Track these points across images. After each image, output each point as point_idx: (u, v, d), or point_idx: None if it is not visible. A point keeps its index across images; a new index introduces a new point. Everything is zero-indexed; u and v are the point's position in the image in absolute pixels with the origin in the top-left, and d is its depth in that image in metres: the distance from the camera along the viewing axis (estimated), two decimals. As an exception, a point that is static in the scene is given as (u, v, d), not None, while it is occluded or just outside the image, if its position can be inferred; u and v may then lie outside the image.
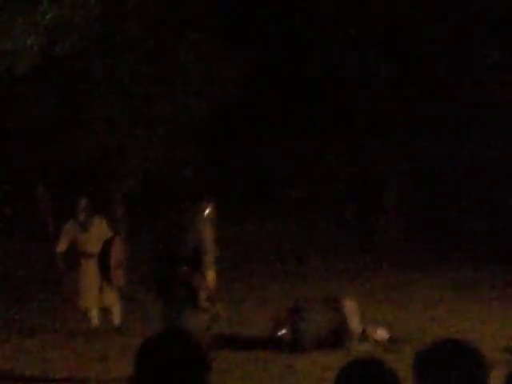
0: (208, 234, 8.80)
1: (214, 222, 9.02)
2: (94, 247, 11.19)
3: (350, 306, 10.67)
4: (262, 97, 19.28)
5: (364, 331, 10.56)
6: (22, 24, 11.59)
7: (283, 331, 10.41)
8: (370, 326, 10.70)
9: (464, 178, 19.23)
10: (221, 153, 19.67)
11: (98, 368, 9.70)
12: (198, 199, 9.03)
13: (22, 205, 17.94)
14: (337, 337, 10.43)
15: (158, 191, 15.98)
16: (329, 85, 18.56)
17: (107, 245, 11.07)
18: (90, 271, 11.21)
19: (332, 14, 17.51)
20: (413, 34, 17.45)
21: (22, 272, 16.48)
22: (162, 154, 16.35)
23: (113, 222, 11.80)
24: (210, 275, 8.74)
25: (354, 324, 10.52)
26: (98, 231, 11.26)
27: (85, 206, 11.29)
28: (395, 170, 19.51)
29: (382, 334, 10.63)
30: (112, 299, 11.31)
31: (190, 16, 16.19)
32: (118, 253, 11.06)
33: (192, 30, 16.10)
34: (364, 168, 20.18)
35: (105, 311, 11.50)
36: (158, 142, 16.33)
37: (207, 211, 8.96)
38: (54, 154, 15.68)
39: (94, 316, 11.42)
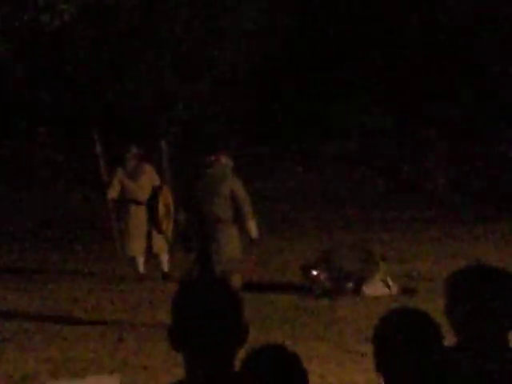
0: (239, 185, 8.88)
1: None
2: (143, 195, 11.31)
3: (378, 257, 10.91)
4: (305, 52, 19.31)
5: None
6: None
7: (316, 272, 10.61)
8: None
9: None
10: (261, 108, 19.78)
11: (144, 313, 9.90)
12: (217, 152, 9.04)
13: (73, 152, 18.16)
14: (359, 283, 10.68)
15: (199, 142, 16.19)
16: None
17: (156, 192, 11.19)
18: (138, 218, 11.35)
19: None
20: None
21: (73, 217, 16.78)
22: (203, 107, 16.58)
23: (158, 170, 11.90)
24: (252, 223, 8.86)
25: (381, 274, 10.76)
26: (147, 179, 11.36)
27: (134, 153, 11.40)
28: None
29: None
30: (160, 246, 11.47)
31: None
32: (166, 201, 11.19)
33: None
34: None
35: (153, 258, 11.69)
36: (200, 95, 16.52)
37: (230, 163, 8.99)
38: (104, 102, 15.86)
39: (141, 262, 11.61)
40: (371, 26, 19.06)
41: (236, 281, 8.57)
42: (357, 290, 10.67)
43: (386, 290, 10.63)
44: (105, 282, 11.68)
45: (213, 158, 8.91)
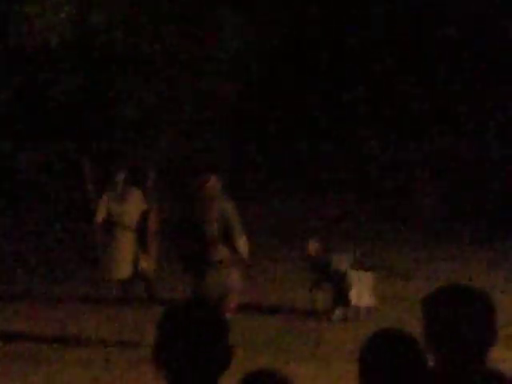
0: (229, 206, 8.94)
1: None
2: (131, 219, 11.29)
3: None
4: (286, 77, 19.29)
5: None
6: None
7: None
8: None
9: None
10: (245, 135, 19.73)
11: (131, 336, 9.89)
12: (206, 173, 9.11)
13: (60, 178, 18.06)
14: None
15: (182, 165, 16.23)
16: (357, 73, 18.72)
17: (144, 216, 11.19)
18: (125, 242, 11.32)
19: None
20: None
21: (57, 242, 16.71)
22: (190, 131, 16.64)
23: (143, 194, 11.89)
24: (242, 242, 8.89)
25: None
26: (135, 203, 11.35)
27: (123, 177, 11.36)
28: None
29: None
30: (147, 269, 11.43)
31: None
32: (153, 225, 11.20)
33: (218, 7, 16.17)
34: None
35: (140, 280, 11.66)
36: (186, 120, 16.55)
37: (219, 184, 9.03)
38: (91, 127, 15.84)
39: (127, 285, 11.55)
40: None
41: (233, 301, 8.65)
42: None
43: (371, 300, 10.56)
44: (90, 305, 11.65)
45: (202, 180, 8.97)
